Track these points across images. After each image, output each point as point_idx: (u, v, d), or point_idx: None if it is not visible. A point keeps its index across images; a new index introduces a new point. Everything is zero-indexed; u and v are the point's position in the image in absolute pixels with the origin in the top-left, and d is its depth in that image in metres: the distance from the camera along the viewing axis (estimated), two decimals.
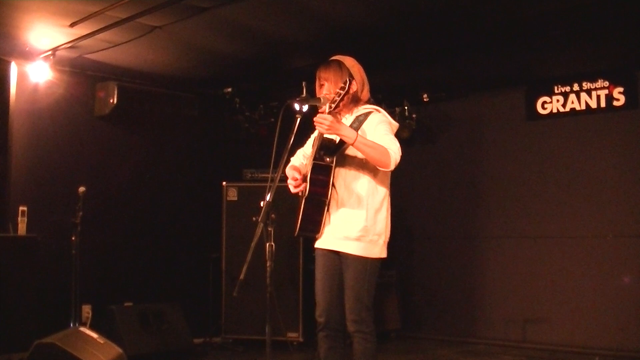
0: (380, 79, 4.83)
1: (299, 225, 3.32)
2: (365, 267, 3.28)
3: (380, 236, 3.33)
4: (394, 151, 3.19)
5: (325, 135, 3.27)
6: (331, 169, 3.28)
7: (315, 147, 3.28)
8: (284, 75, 6.12)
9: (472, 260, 6.79)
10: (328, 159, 3.28)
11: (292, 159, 3.56)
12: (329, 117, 3.14)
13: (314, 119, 3.19)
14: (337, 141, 3.30)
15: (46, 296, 5.29)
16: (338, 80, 3.35)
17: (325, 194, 3.28)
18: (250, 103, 6.76)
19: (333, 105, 3.19)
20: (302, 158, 3.60)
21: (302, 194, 3.35)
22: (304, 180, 3.34)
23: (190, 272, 6.61)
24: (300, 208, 3.31)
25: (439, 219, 7.08)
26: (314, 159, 3.27)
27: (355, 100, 3.40)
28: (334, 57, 3.48)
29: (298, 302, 6.23)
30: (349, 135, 3.16)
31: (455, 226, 6.94)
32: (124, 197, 6.27)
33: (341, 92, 3.19)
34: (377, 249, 3.32)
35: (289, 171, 3.45)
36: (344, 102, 3.26)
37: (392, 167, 3.21)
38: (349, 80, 3.20)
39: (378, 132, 3.26)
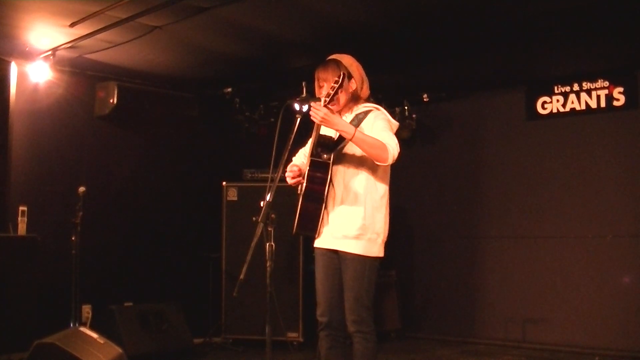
0: (380, 79, 4.82)
1: (296, 223, 3.31)
2: (364, 266, 3.28)
3: (379, 235, 3.33)
4: (392, 146, 3.20)
5: (321, 133, 3.28)
6: (329, 166, 3.28)
7: (312, 144, 3.28)
8: (284, 75, 6.12)
9: (472, 260, 6.79)
10: (325, 156, 3.28)
11: (293, 158, 3.56)
12: (323, 108, 3.16)
13: (310, 105, 3.20)
14: (335, 138, 3.30)
15: (46, 296, 5.28)
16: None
17: (322, 192, 3.28)
18: (250, 103, 6.76)
19: (327, 99, 3.20)
20: (303, 157, 3.60)
21: (299, 191, 3.35)
22: (300, 174, 3.34)
23: (190, 272, 6.61)
24: (298, 206, 3.31)
25: (439, 219, 7.07)
26: (311, 155, 3.27)
27: (355, 99, 3.41)
28: (331, 57, 3.48)
29: (298, 302, 6.23)
30: (347, 130, 3.17)
31: (455, 226, 6.94)
32: (124, 197, 6.27)
33: (335, 85, 3.19)
34: (376, 248, 3.33)
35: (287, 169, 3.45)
36: (338, 96, 3.26)
37: (390, 161, 3.21)
38: (343, 74, 3.21)
39: (376, 128, 3.27)
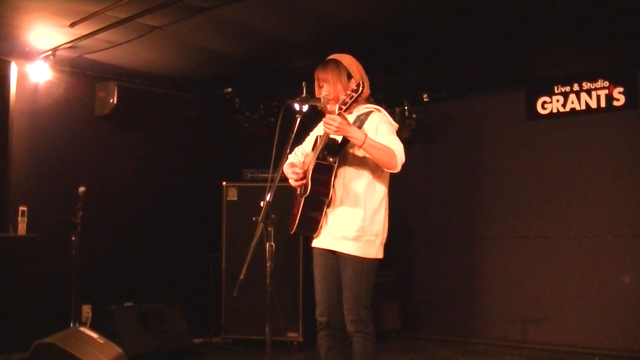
0: (380, 79, 4.83)
1: (297, 223, 3.32)
2: (363, 267, 3.28)
3: (377, 237, 3.32)
4: (400, 152, 3.20)
5: (331, 136, 3.27)
6: (333, 169, 3.28)
7: (320, 147, 3.28)
8: (284, 75, 6.12)
9: (472, 260, 6.79)
10: (331, 159, 3.28)
11: (289, 156, 3.54)
12: (338, 118, 3.13)
13: (324, 119, 3.17)
14: (339, 141, 3.30)
15: (46, 296, 5.28)
16: (337, 80, 3.35)
17: (326, 194, 3.29)
18: (250, 103, 6.76)
19: (344, 107, 3.19)
20: (300, 156, 3.60)
21: (300, 192, 3.35)
22: (305, 176, 3.34)
23: (190, 272, 6.61)
24: (299, 206, 3.31)
25: (439, 219, 7.07)
26: (317, 158, 3.27)
27: (356, 99, 3.40)
28: (331, 57, 3.47)
29: (298, 302, 6.22)
30: (357, 137, 3.14)
31: (455, 226, 6.94)
32: (124, 197, 6.27)
33: (354, 94, 3.17)
34: (374, 250, 3.32)
35: (286, 168, 3.44)
36: (353, 104, 3.26)
37: (399, 168, 3.21)
38: (362, 83, 3.18)
39: (380, 133, 3.26)
